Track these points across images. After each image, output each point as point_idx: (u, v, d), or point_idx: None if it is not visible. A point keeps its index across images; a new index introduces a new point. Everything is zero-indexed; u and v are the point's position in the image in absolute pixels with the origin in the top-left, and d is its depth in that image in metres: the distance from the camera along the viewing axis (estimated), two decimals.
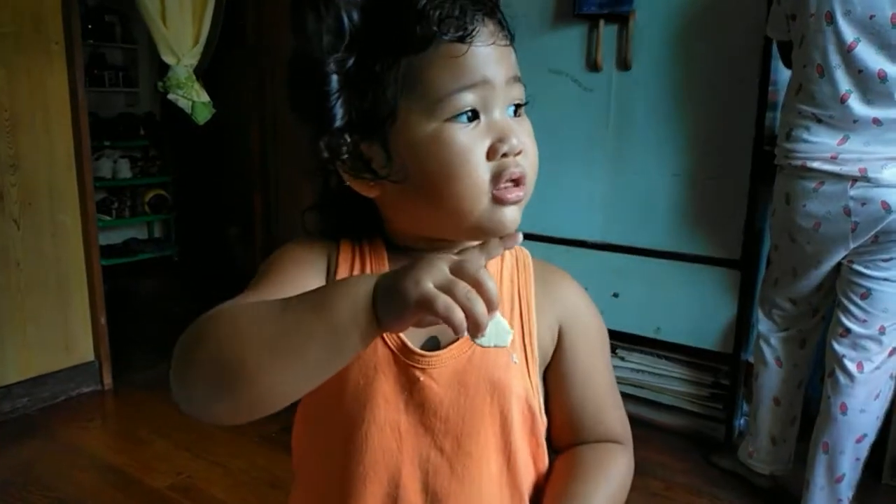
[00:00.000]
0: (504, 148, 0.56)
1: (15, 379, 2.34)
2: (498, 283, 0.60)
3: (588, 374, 0.67)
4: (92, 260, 2.51)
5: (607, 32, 2.19)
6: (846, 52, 1.55)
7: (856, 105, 1.56)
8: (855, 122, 1.57)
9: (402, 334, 0.59)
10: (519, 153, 0.57)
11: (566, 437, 0.68)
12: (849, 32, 1.54)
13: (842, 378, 1.68)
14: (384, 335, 0.58)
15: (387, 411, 0.59)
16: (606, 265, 2.31)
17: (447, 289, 0.44)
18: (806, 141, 1.64)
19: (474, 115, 0.57)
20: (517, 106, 0.60)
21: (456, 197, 0.57)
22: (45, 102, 2.35)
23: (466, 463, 0.60)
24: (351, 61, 0.56)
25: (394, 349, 0.59)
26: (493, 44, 0.57)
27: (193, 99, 2.73)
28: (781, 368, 1.84)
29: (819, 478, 1.70)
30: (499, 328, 0.58)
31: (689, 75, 2.10)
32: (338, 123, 0.57)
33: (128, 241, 4.51)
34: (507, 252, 0.66)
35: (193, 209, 5.05)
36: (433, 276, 0.44)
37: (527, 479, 0.64)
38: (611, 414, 0.69)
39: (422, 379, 0.59)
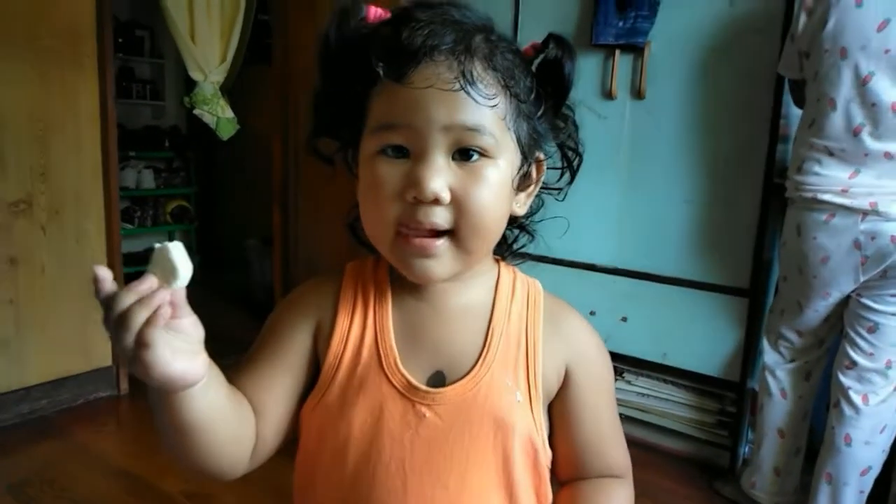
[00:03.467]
0: (412, 193, 0.55)
1: (35, 381, 2.39)
2: (506, 320, 0.64)
3: (592, 412, 0.68)
4: (114, 267, 2.58)
5: (622, 62, 2.24)
6: (861, 86, 1.58)
7: (867, 139, 1.58)
8: (866, 155, 1.59)
9: (406, 373, 0.61)
10: (435, 201, 0.55)
11: (569, 470, 0.69)
12: (864, 66, 1.57)
13: (847, 410, 1.69)
14: (389, 377, 0.61)
15: (392, 448, 0.60)
16: (616, 289, 2.34)
17: (126, 323, 0.45)
18: (817, 174, 1.66)
19: (401, 152, 0.56)
20: (467, 153, 0.56)
21: (369, 223, 0.60)
22: (77, 114, 2.43)
23: (470, 499, 0.61)
24: (334, 80, 0.61)
25: (399, 387, 0.61)
26: (427, 87, 0.54)
27: (219, 115, 2.82)
28: (786, 400, 1.85)
29: None
30: (177, 262, 0.47)
31: (701, 106, 2.14)
32: (320, 127, 0.63)
33: (149, 250, 4.59)
34: (518, 286, 0.67)
35: (214, 220, 5.16)
36: (117, 337, 0.46)
37: None
38: (613, 450, 0.70)
39: (427, 415, 0.60)
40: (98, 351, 2.58)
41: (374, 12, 0.60)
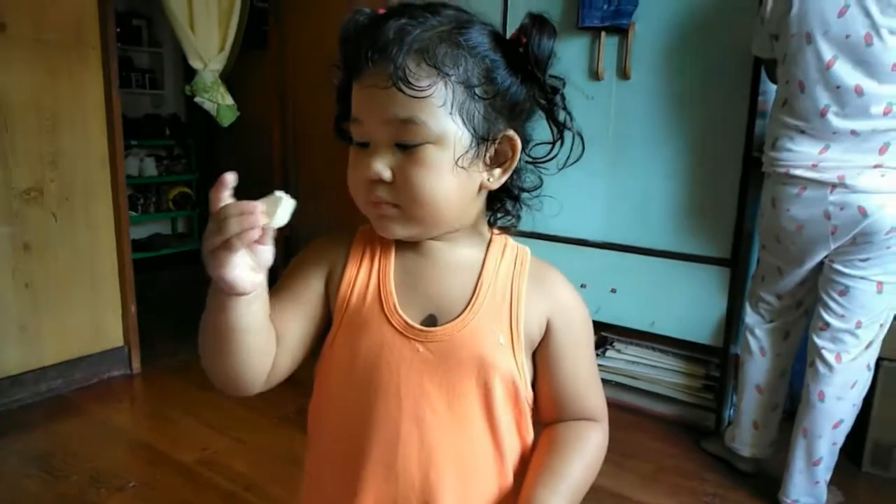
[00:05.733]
0: (363, 173, 0.67)
1: (51, 361, 2.50)
2: (494, 275, 0.74)
3: (570, 360, 0.75)
4: (123, 252, 2.68)
5: (608, 44, 2.32)
6: (824, 70, 1.67)
7: (834, 118, 1.68)
8: (834, 133, 1.69)
9: (403, 314, 0.71)
10: (378, 181, 0.66)
11: (550, 412, 0.78)
12: (827, 51, 1.66)
13: (821, 368, 1.81)
14: (389, 318, 0.71)
15: (390, 377, 0.70)
16: (605, 262, 2.44)
17: (221, 228, 0.55)
18: (790, 150, 1.76)
19: (365, 144, 0.67)
20: (405, 143, 0.65)
21: (353, 196, 0.71)
22: (83, 104, 2.51)
23: (456, 423, 0.71)
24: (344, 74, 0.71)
25: (396, 326, 0.71)
26: (370, 86, 0.64)
27: (219, 102, 2.89)
28: (765, 358, 1.97)
29: (798, 461, 1.83)
30: (281, 211, 0.57)
31: (684, 84, 2.23)
32: (340, 114, 0.72)
33: (152, 237, 4.68)
34: (508, 249, 0.77)
35: None
36: (209, 235, 0.56)
37: (510, 441, 0.75)
38: (589, 395, 0.78)
39: (420, 350, 0.70)
40: (110, 332, 2.68)
41: (378, 12, 0.69)
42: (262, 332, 0.66)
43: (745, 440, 2.01)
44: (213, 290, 0.61)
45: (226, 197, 0.56)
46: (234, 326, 0.62)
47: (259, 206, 0.55)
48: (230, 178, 0.56)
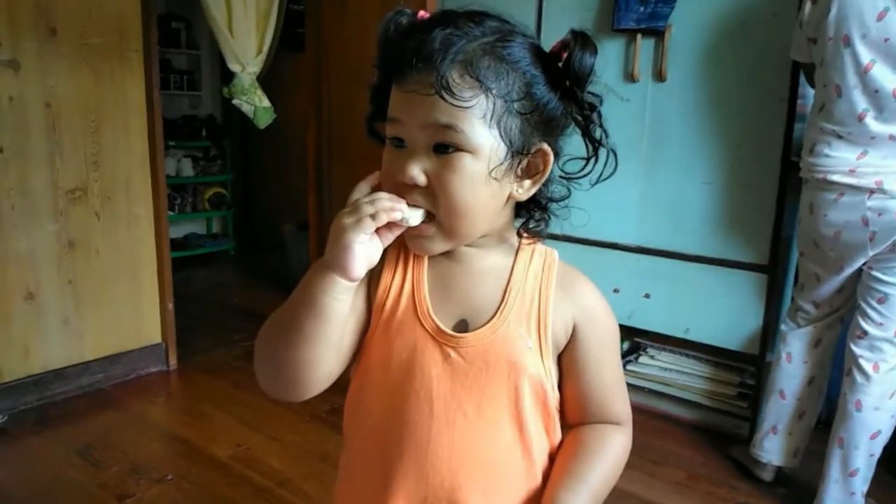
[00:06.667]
0: (399, 176, 0.67)
1: (92, 357, 2.58)
2: (523, 281, 0.75)
3: (595, 364, 0.77)
4: (162, 250, 2.75)
5: (644, 46, 2.31)
6: (863, 73, 1.64)
7: (872, 123, 1.65)
8: (872, 138, 1.66)
9: (436, 319, 0.73)
10: (414, 186, 0.67)
11: (575, 415, 0.79)
12: (865, 54, 1.64)
13: (858, 377, 1.77)
14: (422, 322, 0.73)
15: (422, 380, 0.72)
16: (639, 267, 2.43)
17: (357, 209, 0.63)
18: (827, 156, 1.74)
19: (401, 142, 0.68)
20: (443, 147, 0.66)
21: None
22: (125, 106, 2.58)
23: (485, 426, 0.73)
24: (379, 74, 0.73)
25: (430, 331, 0.73)
26: (412, 91, 0.65)
27: (256, 104, 2.95)
28: (791, 364, 1.95)
29: (834, 471, 1.80)
30: (413, 213, 0.67)
31: (721, 87, 2.21)
32: (374, 113, 0.74)
33: (188, 236, 4.78)
34: (536, 255, 0.78)
35: (250, 207, 5.33)
36: (343, 216, 0.64)
37: (538, 443, 0.76)
38: (614, 400, 0.79)
39: (452, 355, 0.72)
40: (149, 329, 2.75)
41: (420, 16, 0.70)
42: (340, 326, 0.69)
43: (763, 446, 1.99)
44: (319, 271, 0.66)
45: (367, 189, 0.67)
46: (328, 310, 0.66)
47: (399, 202, 0.65)
48: (377, 175, 0.70)
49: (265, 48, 3.00)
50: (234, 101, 2.97)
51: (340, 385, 0.79)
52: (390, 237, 0.66)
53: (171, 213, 4.43)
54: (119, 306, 2.65)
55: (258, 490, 1.91)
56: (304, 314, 0.66)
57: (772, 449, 1.98)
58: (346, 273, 0.64)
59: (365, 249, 0.64)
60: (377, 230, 0.64)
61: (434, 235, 0.70)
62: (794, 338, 1.95)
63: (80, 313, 2.52)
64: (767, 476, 2.01)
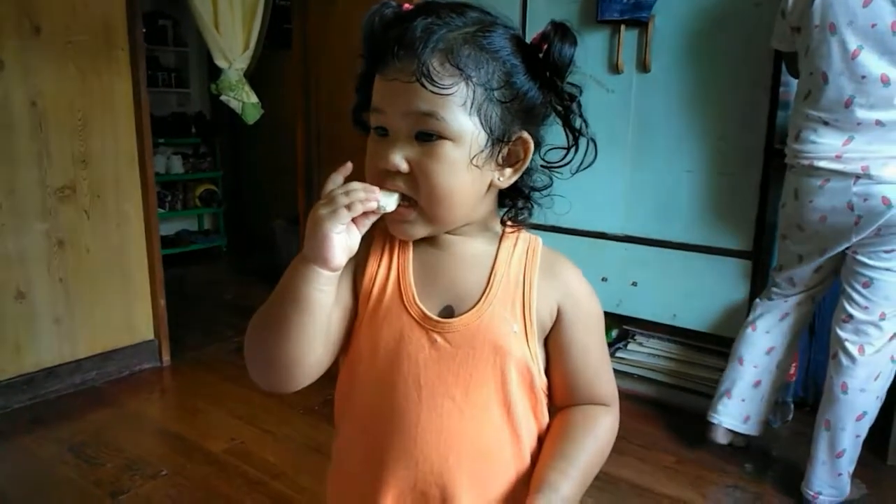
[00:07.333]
0: (382, 164, 0.69)
1: (85, 354, 2.58)
2: (507, 266, 0.76)
3: (581, 346, 0.78)
4: (153, 248, 2.75)
5: (628, 37, 2.33)
6: (850, 60, 1.66)
7: (858, 109, 1.67)
8: (858, 124, 1.68)
9: (422, 305, 0.74)
10: (396, 172, 0.68)
11: (563, 396, 0.80)
12: (852, 41, 1.66)
13: (844, 360, 1.80)
14: (408, 309, 0.74)
15: (409, 366, 0.73)
16: (626, 256, 2.45)
17: (332, 200, 0.64)
18: (813, 142, 1.76)
19: (385, 131, 0.70)
20: (426, 135, 0.67)
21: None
22: (112, 103, 2.58)
23: (473, 410, 0.74)
24: (364, 64, 0.74)
25: (416, 317, 0.74)
26: (394, 79, 0.67)
27: (244, 100, 2.95)
28: (754, 333, 2.01)
29: (821, 453, 1.83)
30: (388, 199, 0.68)
31: (704, 77, 2.23)
32: (359, 104, 0.75)
33: (179, 233, 4.77)
34: (520, 241, 0.79)
35: (241, 203, 5.33)
36: (318, 207, 0.64)
37: (526, 426, 0.77)
38: (600, 381, 0.81)
39: (439, 340, 0.73)
40: (141, 326, 2.76)
41: (404, 8, 0.71)
42: (325, 314, 0.69)
43: (717, 408, 2.05)
44: (300, 263, 0.67)
45: (341, 180, 0.67)
46: (312, 302, 0.67)
47: (373, 191, 0.65)
48: (350, 166, 0.69)
49: (252, 44, 3.00)
50: (223, 98, 2.97)
51: (333, 377, 0.80)
52: (367, 223, 0.67)
53: (162, 210, 4.43)
54: (111, 304, 2.65)
55: (253, 483, 1.92)
56: (289, 307, 0.67)
57: (724, 412, 2.04)
58: (327, 264, 0.65)
59: (343, 239, 0.64)
60: (353, 219, 0.65)
61: (415, 220, 0.72)
62: (763, 309, 2.02)
63: (71, 311, 2.53)
64: (722, 439, 2.06)
